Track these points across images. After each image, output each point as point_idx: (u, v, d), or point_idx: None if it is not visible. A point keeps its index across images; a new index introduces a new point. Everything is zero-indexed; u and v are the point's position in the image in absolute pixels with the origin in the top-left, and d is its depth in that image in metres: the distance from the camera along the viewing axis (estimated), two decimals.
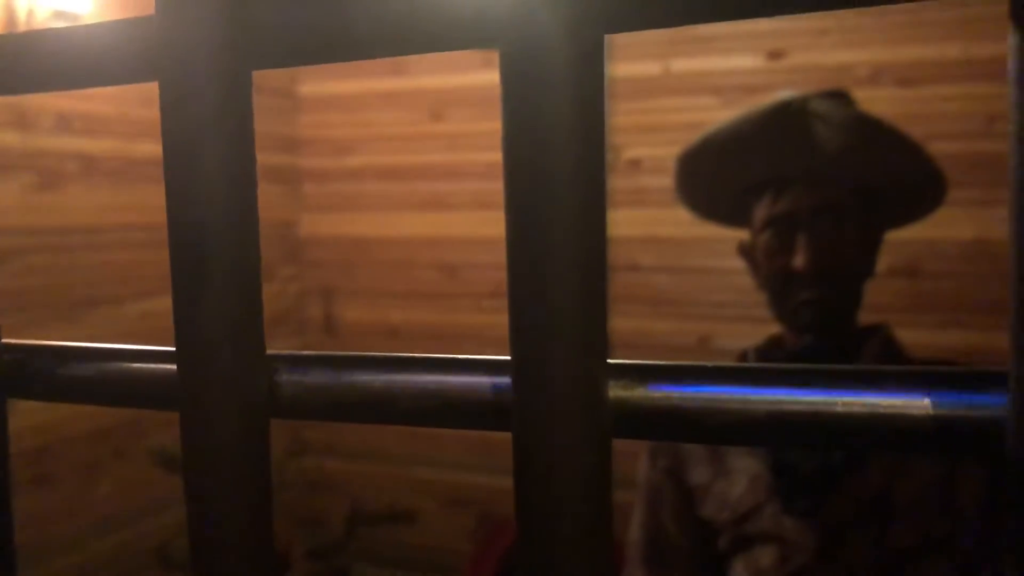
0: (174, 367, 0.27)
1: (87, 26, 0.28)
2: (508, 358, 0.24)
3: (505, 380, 0.25)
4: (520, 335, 0.23)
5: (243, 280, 0.26)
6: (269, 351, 0.28)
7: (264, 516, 0.27)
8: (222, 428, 0.26)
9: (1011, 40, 0.18)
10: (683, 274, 2.76)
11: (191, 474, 0.27)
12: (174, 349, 0.27)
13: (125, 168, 2.55)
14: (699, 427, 0.24)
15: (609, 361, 0.24)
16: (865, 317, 1.37)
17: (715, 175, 1.42)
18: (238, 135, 0.26)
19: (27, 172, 2.27)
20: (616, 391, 0.24)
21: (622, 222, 2.77)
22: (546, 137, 0.21)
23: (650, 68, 2.76)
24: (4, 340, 0.32)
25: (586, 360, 0.23)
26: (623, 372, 0.25)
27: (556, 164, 0.22)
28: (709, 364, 0.24)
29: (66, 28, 0.28)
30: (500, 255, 3.08)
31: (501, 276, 2.97)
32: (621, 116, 2.77)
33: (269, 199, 3.11)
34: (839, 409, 0.22)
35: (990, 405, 0.21)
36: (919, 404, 0.21)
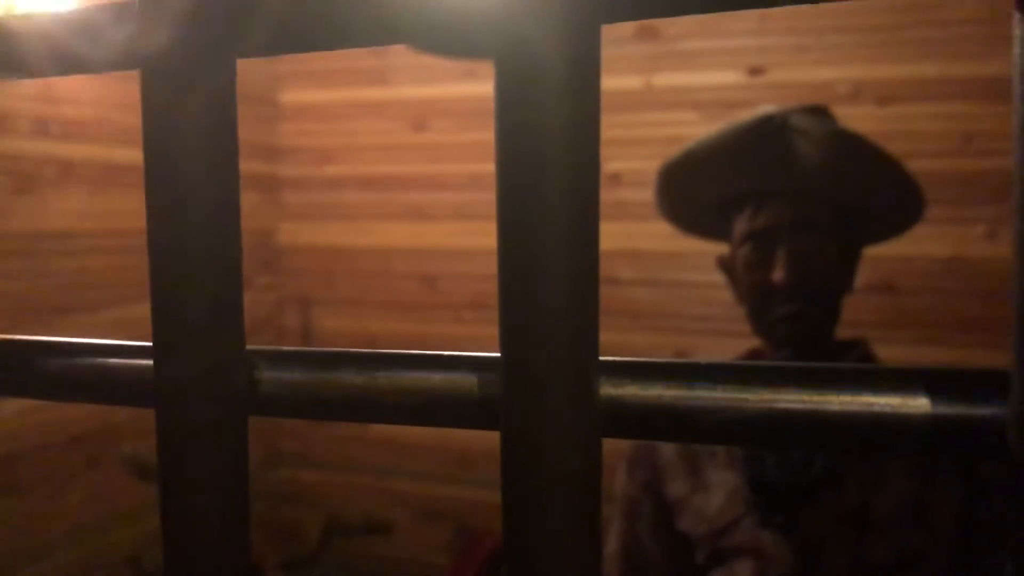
0: (150, 362, 0.26)
1: (68, 12, 0.27)
2: (496, 355, 0.24)
3: (492, 377, 0.25)
4: (509, 331, 0.22)
5: (223, 274, 0.25)
6: (249, 347, 0.27)
7: (241, 514, 0.26)
8: (199, 424, 0.25)
9: (1016, 31, 0.17)
10: (662, 287, 2.76)
11: (167, 473, 0.26)
12: (151, 344, 0.26)
13: (102, 174, 2.52)
14: (692, 426, 0.23)
15: (600, 359, 0.24)
16: (842, 333, 1.38)
17: (695, 188, 1.43)
18: (222, 125, 0.25)
19: (3, 175, 2.24)
20: (607, 389, 0.24)
21: (602, 235, 2.76)
22: (539, 133, 0.21)
23: (631, 82, 2.78)
24: None
25: (577, 357, 0.22)
26: (614, 370, 0.24)
27: (548, 161, 0.21)
28: (703, 362, 0.24)
29: (46, 13, 0.28)
30: (480, 266, 3.09)
31: (481, 287, 2.96)
32: (603, 130, 2.76)
33: (248, 207, 3.09)
34: (835, 408, 0.22)
35: (990, 406, 0.20)
36: (917, 403, 0.21)
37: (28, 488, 2.31)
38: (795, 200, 1.33)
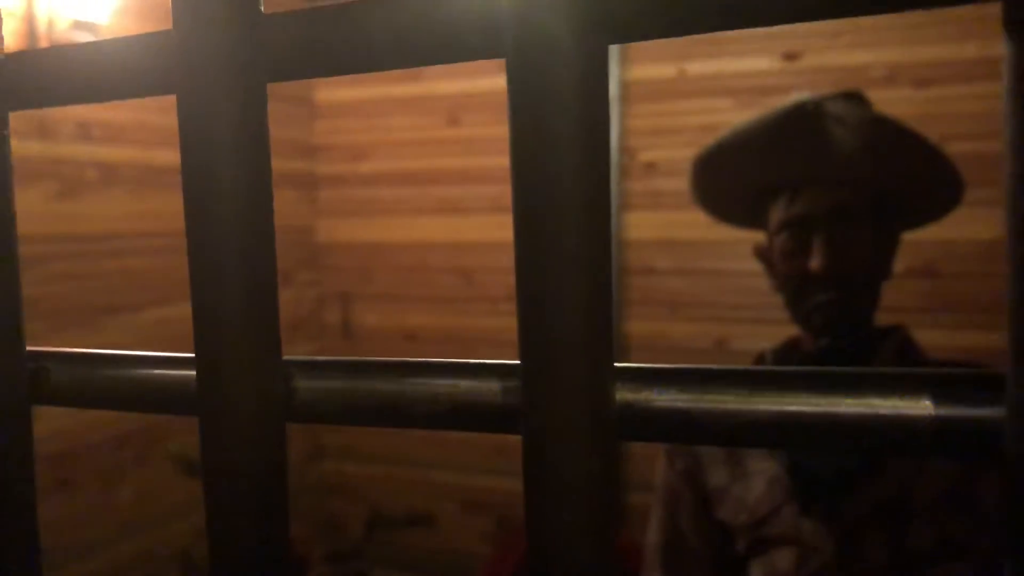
0: (193, 373, 0.28)
1: (107, 41, 0.29)
2: (518, 362, 0.25)
3: (514, 384, 0.25)
4: (528, 340, 0.23)
5: (260, 288, 0.27)
6: (285, 357, 0.28)
7: (281, 518, 0.27)
8: (240, 432, 0.27)
9: (1006, 49, 0.18)
10: (699, 276, 2.75)
11: (210, 477, 0.27)
12: (193, 356, 0.28)
13: (144, 176, 2.57)
14: (705, 430, 0.24)
15: (616, 364, 0.25)
16: (882, 318, 1.37)
17: (730, 178, 1.42)
18: (254, 146, 0.26)
19: (48, 180, 2.29)
20: (624, 394, 0.24)
21: (638, 225, 2.77)
22: (552, 146, 0.22)
23: (665, 70, 2.76)
24: (27, 348, 0.32)
25: (593, 364, 0.23)
26: (630, 376, 0.25)
27: (562, 173, 0.22)
28: (715, 368, 0.25)
29: (86, 44, 0.29)
30: None
31: None
32: (637, 119, 2.77)
33: (286, 205, 3.13)
34: (843, 411, 0.22)
35: (990, 407, 0.21)
36: (921, 406, 0.22)
37: (80, 485, 2.36)
38: (831, 188, 1.32)
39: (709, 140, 1.40)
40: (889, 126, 1.31)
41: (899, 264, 1.37)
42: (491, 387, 0.26)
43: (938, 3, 0.21)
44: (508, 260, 2.76)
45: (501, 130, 2.91)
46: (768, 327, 1.82)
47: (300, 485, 2.99)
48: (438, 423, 0.27)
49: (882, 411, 0.22)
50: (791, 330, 1.42)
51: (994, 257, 2.45)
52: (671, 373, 0.25)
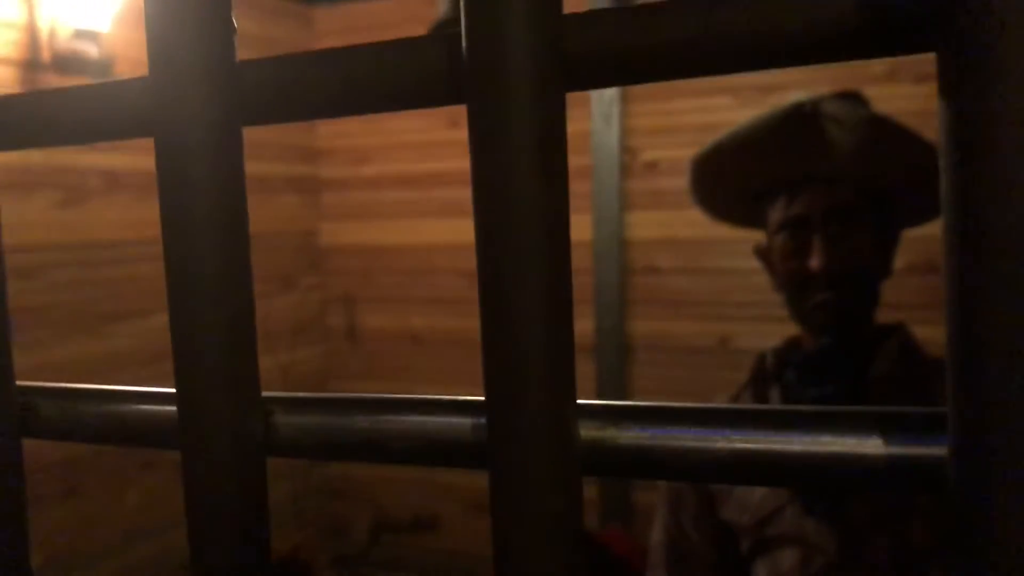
0: (175, 408, 0.28)
1: (87, 87, 0.29)
2: (482, 399, 0.25)
3: (482, 421, 0.26)
4: (492, 379, 0.24)
5: (238, 327, 0.27)
6: (264, 393, 0.29)
7: (263, 550, 0.28)
8: (221, 466, 0.27)
9: (939, 108, 0.19)
10: (702, 275, 2.75)
11: (192, 511, 0.28)
12: (174, 391, 0.28)
13: (147, 182, 2.58)
14: (665, 467, 0.24)
15: (579, 402, 0.25)
16: (884, 315, 1.37)
17: (729, 178, 1.43)
18: (229, 189, 0.27)
19: (51, 189, 2.31)
20: (588, 431, 0.25)
21: (640, 224, 2.78)
22: (510, 186, 0.22)
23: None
24: (17, 382, 0.33)
25: (556, 402, 0.24)
26: (594, 414, 0.25)
27: (520, 216, 0.23)
28: (675, 405, 0.25)
29: (66, 89, 0.30)
30: None
31: None
32: (638, 118, 2.77)
33: (289, 209, 3.14)
34: (796, 449, 0.23)
35: (936, 445, 0.21)
36: (871, 444, 0.22)
37: (85, 492, 2.38)
38: (829, 187, 1.32)
39: (709, 139, 1.41)
40: (886, 125, 1.31)
41: (900, 260, 1.38)
42: (461, 424, 0.27)
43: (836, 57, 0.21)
44: None
45: None
46: (772, 325, 1.82)
47: (304, 488, 3.00)
48: (412, 459, 0.27)
49: (834, 448, 0.23)
50: (795, 328, 1.43)
51: None
52: (634, 411, 0.25)
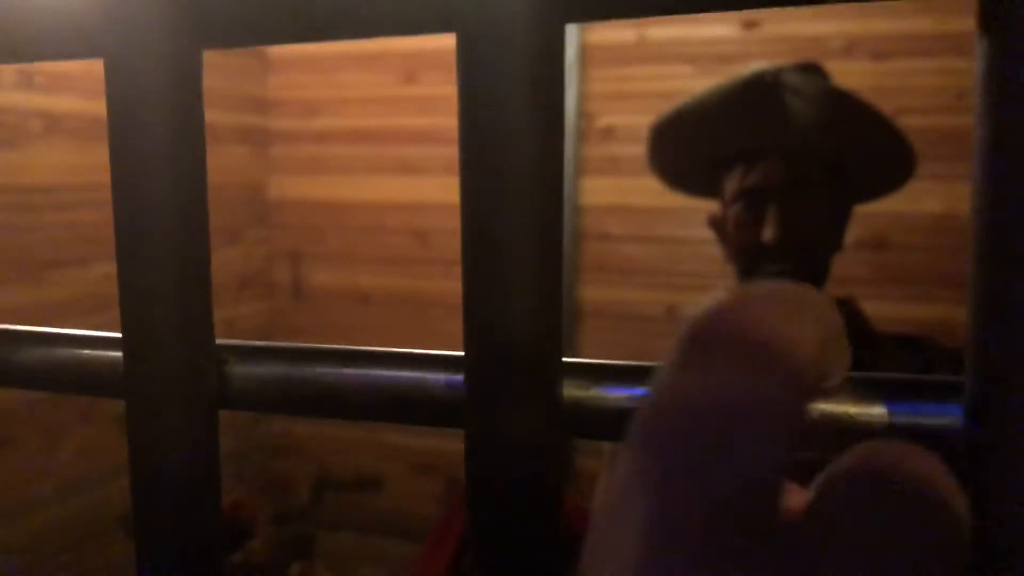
0: (120, 354, 0.26)
1: (30, 2, 0.27)
2: (462, 354, 0.24)
3: (459, 378, 0.25)
4: (472, 332, 0.22)
5: (191, 271, 0.25)
6: (218, 341, 0.27)
7: (213, 507, 0.26)
8: (169, 417, 0.25)
9: (978, 47, 0.17)
10: (654, 243, 2.76)
11: (137, 464, 0.26)
12: (120, 336, 0.26)
13: (90, 127, 2.50)
14: None
15: (565, 360, 0.24)
16: (831, 290, 1.38)
17: (687, 146, 1.42)
18: (187, 120, 0.25)
19: None
20: (571, 391, 0.24)
21: (594, 190, 2.77)
22: (504, 133, 0.21)
23: (625, 35, 2.74)
24: None
25: (539, 358, 0.22)
26: (578, 372, 0.24)
27: (513, 164, 0.21)
28: (658, 364, 0.24)
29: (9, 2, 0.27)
30: None
31: None
32: (595, 83, 2.75)
33: (238, 161, 3.07)
34: None
35: (946, 415, 0.20)
36: (876, 412, 0.21)
37: (19, 444, 2.32)
38: (787, 159, 1.32)
39: (668, 107, 1.40)
40: (845, 98, 1.31)
41: (848, 236, 1.38)
42: (435, 380, 0.25)
43: None
44: None
45: None
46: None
47: (246, 446, 2.96)
48: (379, 415, 0.26)
49: (837, 416, 0.22)
50: None
51: (944, 231, 2.48)
52: (619, 370, 0.24)
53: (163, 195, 0.25)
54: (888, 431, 0.21)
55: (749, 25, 2.62)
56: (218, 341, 0.27)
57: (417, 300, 3.03)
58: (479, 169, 0.22)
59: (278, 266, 3.25)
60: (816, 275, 1.34)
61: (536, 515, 0.22)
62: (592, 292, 2.81)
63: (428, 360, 0.26)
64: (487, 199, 0.22)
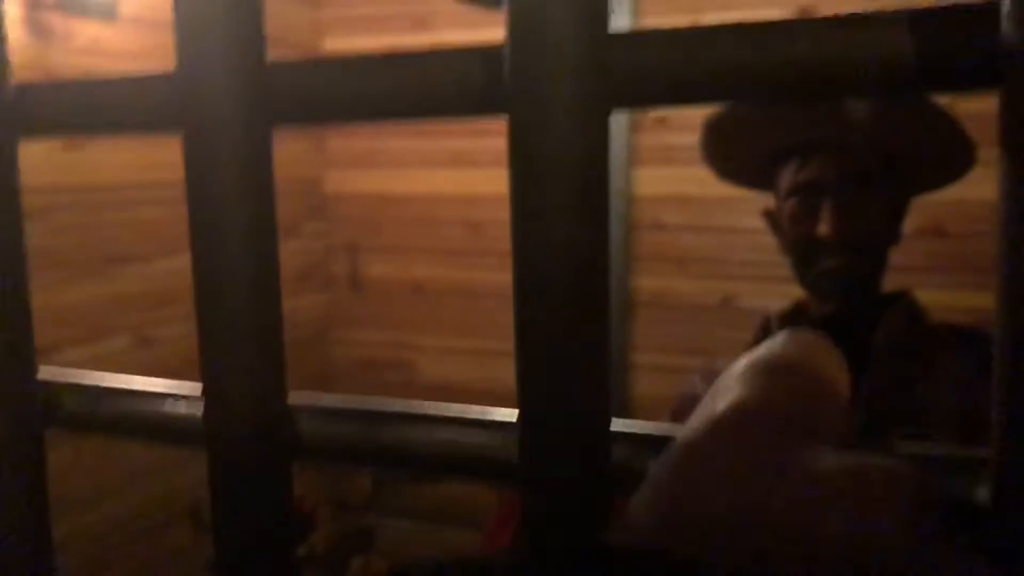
0: (200, 410, 0.28)
1: (115, 80, 0.29)
2: (515, 413, 0.25)
3: (512, 437, 0.26)
4: (527, 400, 0.24)
5: (266, 338, 0.27)
6: (291, 396, 0.29)
7: (288, 553, 0.28)
8: (246, 471, 0.27)
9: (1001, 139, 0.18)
10: (709, 233, 2.74)
11: (218, 511, 0.28)
12: (200, 392, 0.28)
13: None
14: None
15: (616, 421, 0.25)
16: (890, 278, 1.36)
17: (742, 140, 1.41)
18: (259, 191, 0.26)
19: None
20: (619, 454, 0.25)
21: (648, 180, 2.76)
22: (551, 211, 0.22)
23: (679, 21, 2.72)
24: (39, 377, 0.33)
25: (590, 424, 0.24)
26: (626, 436, 0.25)
27: (560, 241, 0.22)
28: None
29: (95, 80, 0.29)
30: None
31: None
32: None
33: (294, 155, 3.11)
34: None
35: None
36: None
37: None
38: (842, 153, 1.30)
39: (720, 103, 1.39)
40: None
41: (907, 224, 1.36)
42: (491, 438, 0.26)
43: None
44: None
45: None
46: (777, 284, 1.81)
47: None
48: (439, 471, 0.27)
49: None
50: (798, 289, 1.42)
51: None
52: (667, 435, 0.25)
53: (238, 264, 0.27)
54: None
55: (805, 10, 2.59)
56: (291, 402, 0.29)
57: (471, 291, 3.05)
58: (528, 248, 0.23)
59: (335, 259, 3.29)
60: (873, 268, 1.32)
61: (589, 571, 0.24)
62: (646, 282, 2.80)
63: (482, 420, 0.27)
64: (537, 280, 0.23)
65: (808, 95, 0.20)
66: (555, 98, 0.22)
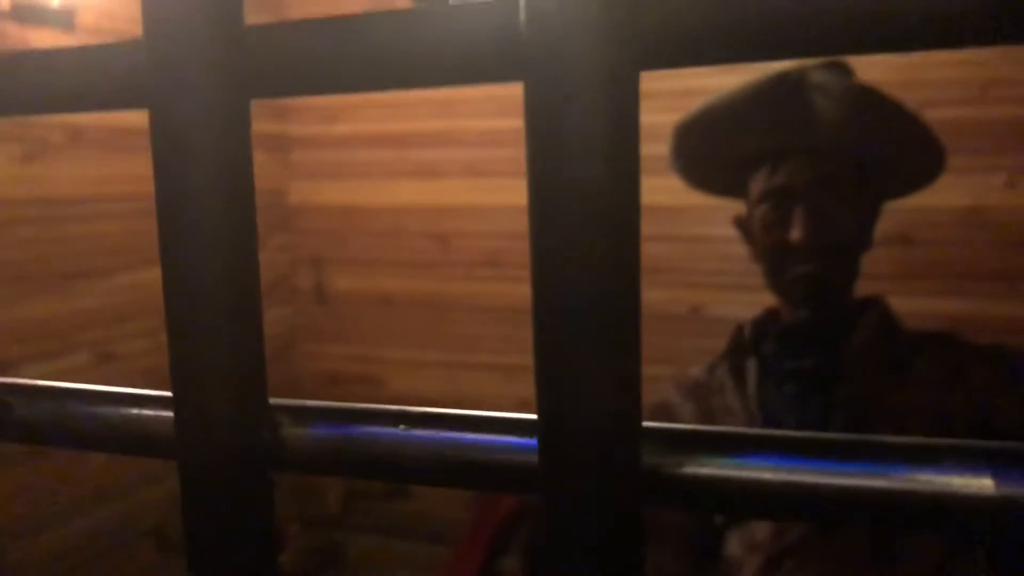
0: (171, 414, 0.25)
1: (74, 49, 0.26)
2: (533, 417, 0.23)
3: (529, 441, 0.23)
4: (546, 395, 0.21)
5: (243, 329, 0.24)
6: (272, 400, 0.26)
7: (268, 568, 0.25)
8: (222, 482, 0.25)
9: None
10: (677, 242, 2.74)
11: (192, 526, 0.25)
12: (171, 395, 0.25)
13: (112, 138, 2.51)
14: (735, 501, 0.22)
15: (645, 425, 0.23)
16: (859, 286, 1.36)
17: (712, 147, 1.40)
18: (235, 170, 0.24)
19: (12, 143, 2.23)
20: (649, 458, 0.23)
21: None
22: (574, 184, 0.20)
23: None
24: None
25: (618, 425, 0.21)
26: (657, 438, 0.23)
27: (584, 217, 0.20)
28: (747, 432, 0.23)
29: (53, 50, 0.26)
30: (493, 223, 3.06)
31: (494, 245, 2.94)
32: None
33: (259, 167, 3.02)
34: (888, 486, 0.20)
35: None
36: (981, 483, 0.20)
37: (50, 453, 2.33)
38: (813, 158, 1.31)
39: (688, 105, 1.38)
40: (871, 96, 1.30)
41: (875, 233, 1.37)
42: (503, 443, 0.24)
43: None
44: (485, 225, 2.74)
45: (479, 91, 2.86)
46: (746, 293, 1.80)
47: None
48: (442, 480, 0.25)
49: (937, 487, 0.20)
50: (767, 297, 1.41)
51: (970, 224, 2.45)
52: (701, 438, 0.23)
53: (212, 248, 0.24)
54: (995, 505, 0.19)
55: None
56: (271, 401, 0.26)
57: (439, 303, 3.03)
58: (549, 227, 0.21)
59: (301, 271, 3.25)
60: (845, 274, 1.33)
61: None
62: None
63: (493, 422, 0.25)
64: (558, 259, 0.21)
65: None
66: (579, 55, 0.20)
